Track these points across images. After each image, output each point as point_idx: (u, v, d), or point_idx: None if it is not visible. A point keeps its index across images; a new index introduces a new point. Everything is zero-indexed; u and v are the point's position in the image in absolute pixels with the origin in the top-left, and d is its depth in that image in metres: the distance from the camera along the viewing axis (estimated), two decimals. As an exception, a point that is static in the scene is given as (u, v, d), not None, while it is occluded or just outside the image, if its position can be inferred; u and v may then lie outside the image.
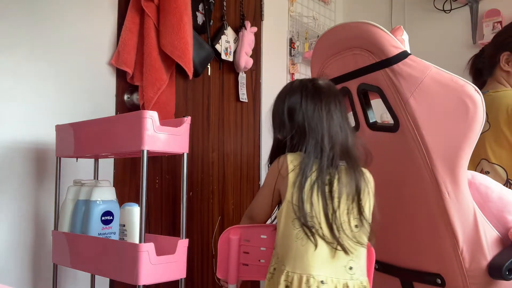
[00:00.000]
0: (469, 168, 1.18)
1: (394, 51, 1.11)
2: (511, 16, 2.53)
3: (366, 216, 1.17)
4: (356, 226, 1.16)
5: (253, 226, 1.40)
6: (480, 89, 1.75)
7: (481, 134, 1.59)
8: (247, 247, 1.45)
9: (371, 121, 1.22)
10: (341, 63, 1.24)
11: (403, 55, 1.11)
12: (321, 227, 1.13)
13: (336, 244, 1.14)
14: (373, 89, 1.17)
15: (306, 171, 1.16)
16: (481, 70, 1.80)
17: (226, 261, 1.43)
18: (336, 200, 1.16)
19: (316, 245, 1.13)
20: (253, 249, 1.39)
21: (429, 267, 1.19)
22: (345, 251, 1.15)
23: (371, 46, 1.14)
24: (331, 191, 1.16)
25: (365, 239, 1.17)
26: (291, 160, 1.19)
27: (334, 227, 1.14)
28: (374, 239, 1.20)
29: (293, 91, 1.28)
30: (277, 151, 1.30)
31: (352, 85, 1.22)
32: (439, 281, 1.17)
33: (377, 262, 1.34)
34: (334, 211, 1.14)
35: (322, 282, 1.13)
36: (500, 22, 2.53)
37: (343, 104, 1.23)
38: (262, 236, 1.36)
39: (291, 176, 1.17)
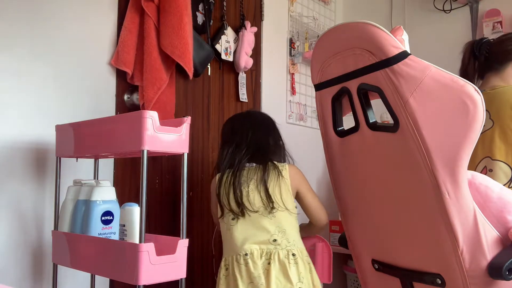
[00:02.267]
0: (470, 166, 1.17)
1: (394, 51, 1.11)
2: (511, 16, 2.53)
3: (275, 199, 1.55)
4: (265, 207, 1.55)
5: None
6: (467, 77, 1.77)
7: (485, 131, 1.60)
8: None
9: (371, 121, 1.22)
10: (341, 63, 1.24)
11: (403, 55, 1.11)
12: (235, 212, 1.55)
13: (241, 216, 1.55)
14: (373, 89, 1.17)
15: (222, 180, 1.62)
16: (476, 59, 1.79)
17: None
18: (245, 190, 1.56)
19: (234, 225, 1.56)
20: None
21: (429, 267, 1.19)
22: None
23: (371, 46, 1.14)
24: (240, 184, 1.57)
25: (276, 216, 1.55)
26: (217, 177, 1.65)
27: (245, 210, 1.54)
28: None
29: (230, 118, 1.84)
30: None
31: (352, 85, 1.22)
32: (439, 281, 1.17)
33: (377, 262, 1.34)
34: (243, 198, 1.55)
35: (245, 255, 1.51)
36: (500, 22, 2.53)
37: (271, 125, 1.76)
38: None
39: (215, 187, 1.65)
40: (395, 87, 1.11)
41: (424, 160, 1.10)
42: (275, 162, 1.64)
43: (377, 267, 1.35)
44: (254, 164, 1.64)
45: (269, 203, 1.55)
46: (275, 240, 1.52)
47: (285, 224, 1.54)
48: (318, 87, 1.35)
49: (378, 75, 1.14)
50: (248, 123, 1.72)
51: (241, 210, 1.54)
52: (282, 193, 1.58)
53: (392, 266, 1.30)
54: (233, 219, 1.57)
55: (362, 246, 1.41)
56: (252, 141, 1.66)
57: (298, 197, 1.67)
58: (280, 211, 1.56)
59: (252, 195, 1.56)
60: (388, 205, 1.24)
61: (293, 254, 1.51)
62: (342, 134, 1.33)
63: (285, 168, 1.63)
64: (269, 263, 1.49)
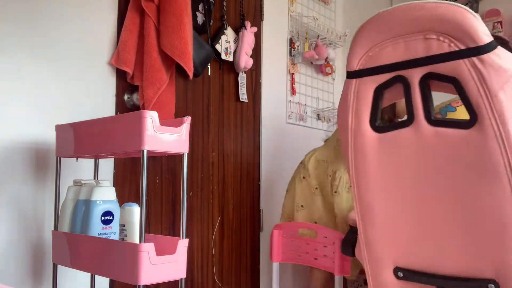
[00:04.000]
0: None
1: (486, 40, 1.01)
2: (511, 16, 2.53)
3: None
4: None
5: (291, 224, 2.09)
6: None
7: None
8: (284, 239, 2.01)
9: (432, 115, 1.10)
10: (402, 47, 1.11)
11: (494, 45, 1.01)
12: None
13: None
14: (446, 80, 1.06)
15: None
16: None
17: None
18: None
19: None
20: (287, 241, 2.00)
21: (483, 272, 1.11)
22: None
23: (456, 32, 1.03)
24: None
25: None
26: None
27: None
28: None
29: None
30: None
31: (414, 74, 1.10)
32: (492, 286, 1.08)
33: (402, 270, 1.20)
34: None
35: None
36: (500, 22, 2.53)
37: None
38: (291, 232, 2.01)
39: None
40: (483, 79, 1.01)
41: (506, 160, 1.01)
42: None
43: (401, 275, 1.23)
44: None
45: None
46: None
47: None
48: (358, 74, 1.19)
49: (460, 64, 1.03)
50: None
51: None
52: None
53: (427, 274, 1.19)
54: None
55: (385, 253, 1.28)
56: None
57: None
58: None
59: None
60: (444, 207, 1.14)
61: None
62: (383, 129, 1.18)
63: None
64: None
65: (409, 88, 1.10)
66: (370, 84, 1.16)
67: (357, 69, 1.18)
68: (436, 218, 1.15)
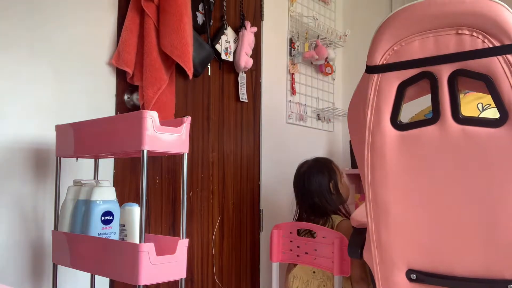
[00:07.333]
0: None
1: None
2: (511, 16, 2.53)
3: None
4: None
5: (290, 224, 2.07)
6: None
7: None
8: (284, 239, 2.05)
9: (459, 112, 1.08)
10: (431, 43, 1.09)
11: None
12: None
13: None
14: (477, 77, 1.04)
15: None
16: None
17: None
18: None
19: None
20: (287, 241, 2.04)
21: (503, 273, 1.09)
22: None
23: (491, 28, 1.01)
24: None
25: None
26: None
27: None
28: None
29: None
30: None
31: (443, 70, 1.08)
32: None
33: (416, 272, 1.22)
34: None
35: None
36: None
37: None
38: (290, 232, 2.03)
39: None
40: None
41: None
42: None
43: (415, 277, 1.20)
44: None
45: None
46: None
47: None
48: (381, 69, 1.15)
49: (493, 61, 1.02)
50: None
51: None
52: None
53: (443, 275, 1.17)
54: None
55: (398, 255, 1.25)
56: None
57: None
58: None
59: None
60: (466, 207, 1.13)
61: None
62: (405, 127, 1.15)
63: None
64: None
65: (437, 84, 1.08)
66: (394, 80, 1.14)
67: (380, 63, 1.15)
68: (458, 218, 1.12)
